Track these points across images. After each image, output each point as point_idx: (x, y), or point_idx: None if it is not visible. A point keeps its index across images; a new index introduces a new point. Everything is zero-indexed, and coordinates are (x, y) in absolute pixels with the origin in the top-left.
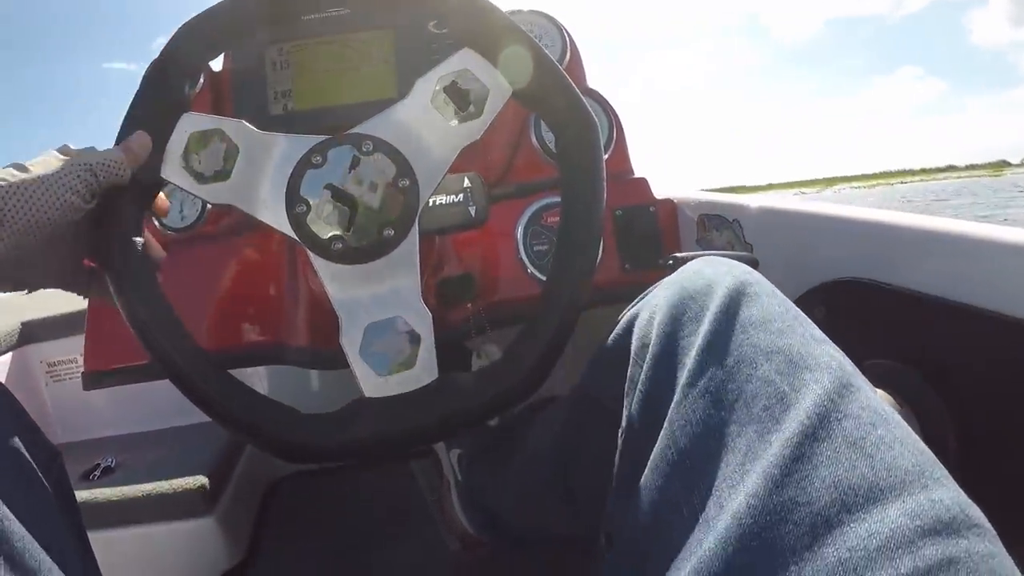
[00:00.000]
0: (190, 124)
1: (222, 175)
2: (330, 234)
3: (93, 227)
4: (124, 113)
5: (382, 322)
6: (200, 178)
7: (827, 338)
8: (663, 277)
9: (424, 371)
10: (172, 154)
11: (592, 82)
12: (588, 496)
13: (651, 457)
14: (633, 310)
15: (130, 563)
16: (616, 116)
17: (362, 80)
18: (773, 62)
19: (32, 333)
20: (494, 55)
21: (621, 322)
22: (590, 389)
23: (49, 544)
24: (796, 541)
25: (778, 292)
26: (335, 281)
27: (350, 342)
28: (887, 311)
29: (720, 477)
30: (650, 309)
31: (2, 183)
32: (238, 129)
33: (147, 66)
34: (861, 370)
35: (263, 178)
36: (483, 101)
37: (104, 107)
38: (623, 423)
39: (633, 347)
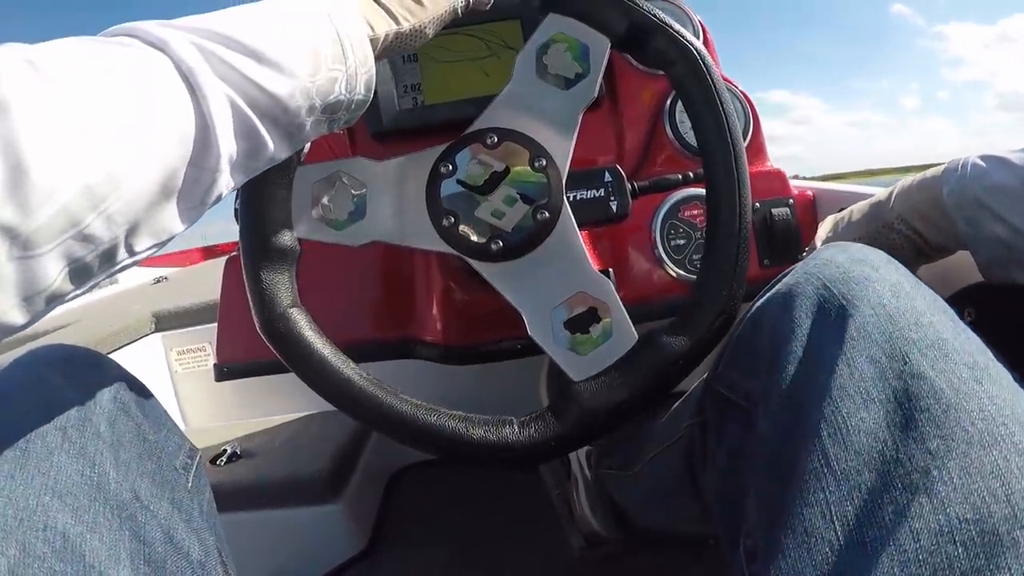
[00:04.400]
0: (308, 177)
1: (357, 215)
2: (487, 237)
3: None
4: None
5: (565, 303)
6: (337, 225)
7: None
8: None
9: (623, 336)
10: (302, 213)
11: None
12: (716, 498)
13: (798, 465)
14: (761, 302)
15: (254, 547)
16: (752, 106)
17: (492, 71)
18: None
19: (163, 322)
20: (579, 11)
21: (750, 315)
22: (720, 386)
23: (190, 551)
24: (968, 563)
25: (917, 279)
26: (505, 280)
27: (540, 333)
28: None
29: (877, 491)
30: (781, 300)
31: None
32: (357, 165)
33: None
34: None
35: (400, 204)
36: (587, 58)
37: None
38: (761, 425)
39: (766, 342)
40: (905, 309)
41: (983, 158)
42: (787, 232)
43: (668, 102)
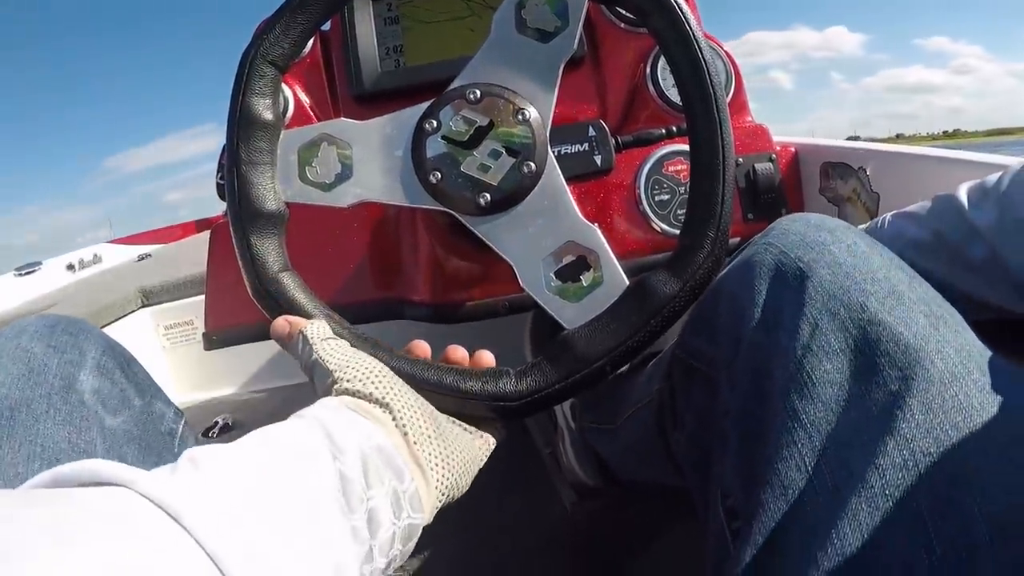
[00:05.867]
0: (292, 141)
1: (344, 176)
2: (474, 192)
3: None
4: None
5: (555, 253)
6: (325, 187)
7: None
8: None
9: (614, 283)
10: (288, 176)
11: None
12: (686, 459)
13: (769, 423)
14: (721, 273)
15: None
16: (733, 61)
17: (474, 30)
18: None
19: (149, 297)
20: None
21: (711, 286)
22: (683, 353)
23: None
24: (932, 494)
25: (874, 240)
26: (494, 233)
27: (532, 283)
28: None
29: (846, 437)
30: (740, 270)
31: None
32: (341, 127)
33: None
34: None
35: (386, 164)
36: (565, 12)
37: None
38: (725, 390)
39: (726, 310)
40: (861, 266)
41: (894, 215)
42: (770, 187)
43: (650, 60)
